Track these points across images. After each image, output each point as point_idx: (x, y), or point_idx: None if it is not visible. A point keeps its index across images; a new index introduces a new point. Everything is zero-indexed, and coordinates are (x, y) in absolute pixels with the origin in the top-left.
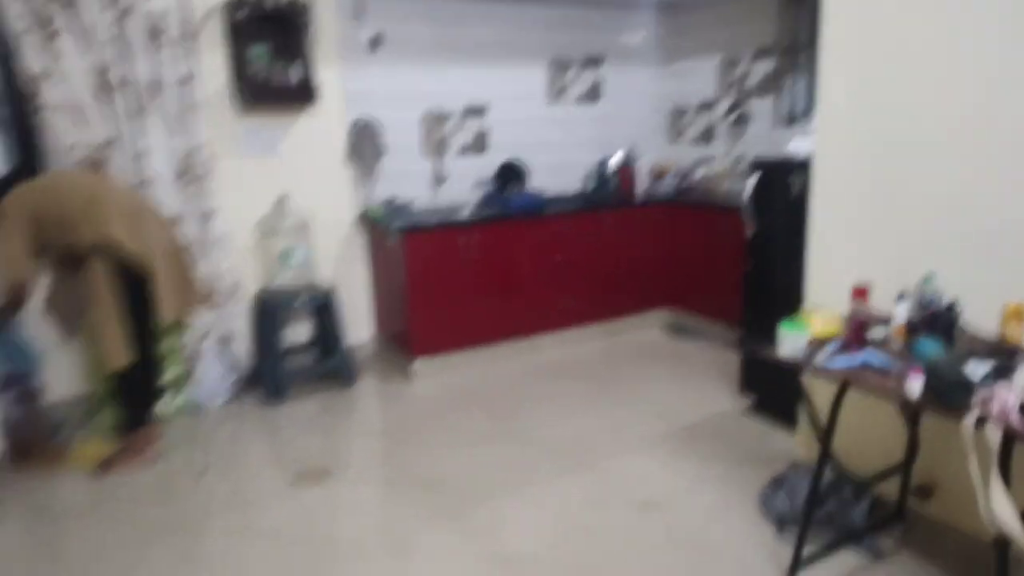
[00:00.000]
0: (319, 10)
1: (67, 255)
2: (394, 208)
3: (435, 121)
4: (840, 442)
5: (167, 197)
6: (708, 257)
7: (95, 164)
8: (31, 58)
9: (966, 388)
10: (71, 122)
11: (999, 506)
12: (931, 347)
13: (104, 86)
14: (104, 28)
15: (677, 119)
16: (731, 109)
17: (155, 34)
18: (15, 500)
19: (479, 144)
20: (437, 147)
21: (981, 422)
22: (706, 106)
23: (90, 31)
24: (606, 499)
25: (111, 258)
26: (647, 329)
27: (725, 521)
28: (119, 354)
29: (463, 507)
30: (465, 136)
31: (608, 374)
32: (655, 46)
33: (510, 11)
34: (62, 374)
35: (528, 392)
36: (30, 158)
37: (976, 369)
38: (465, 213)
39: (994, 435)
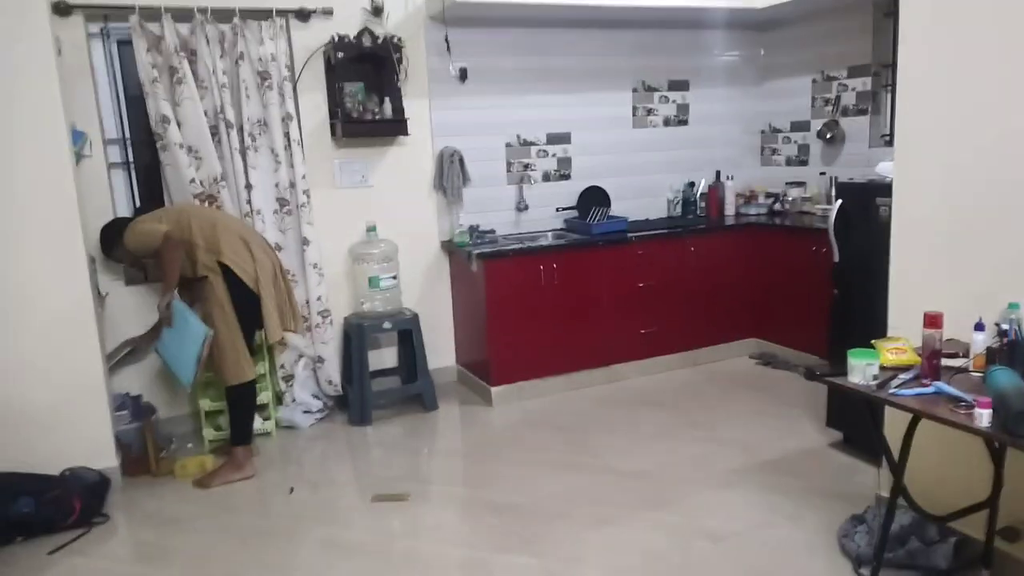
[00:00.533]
0: (410, 46)
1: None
2: (477, 235)
3: (519, 149)
4: (925, 479)
5: (268, 227)
6: (798, 284)
7: (210, 198)
8: (159, 103)
9: None
10: (190, 160)
11: None
12: (1003, 377)
13: (218, 126)
14: (220, 74)
15: (769, 140)
16: (825, 129)
17: (263, 77)
18: (129, 508)
19: (563, 170)
20: (521, 174)
21: None
22: (800, 126)
23: (208, 77)
24: (681, 529)
25: (225, 281)
26: (733, 358)
27: (802, 557)
28: (243, 370)
29: (538, 533)
30: (549, 163)
31: (691, 404)
32: (745, 65)
33: (595, 38)
34: (170, 393)
35: (607, 421)
36: (155, 195)
37: None
38: (547, 240)
39: None
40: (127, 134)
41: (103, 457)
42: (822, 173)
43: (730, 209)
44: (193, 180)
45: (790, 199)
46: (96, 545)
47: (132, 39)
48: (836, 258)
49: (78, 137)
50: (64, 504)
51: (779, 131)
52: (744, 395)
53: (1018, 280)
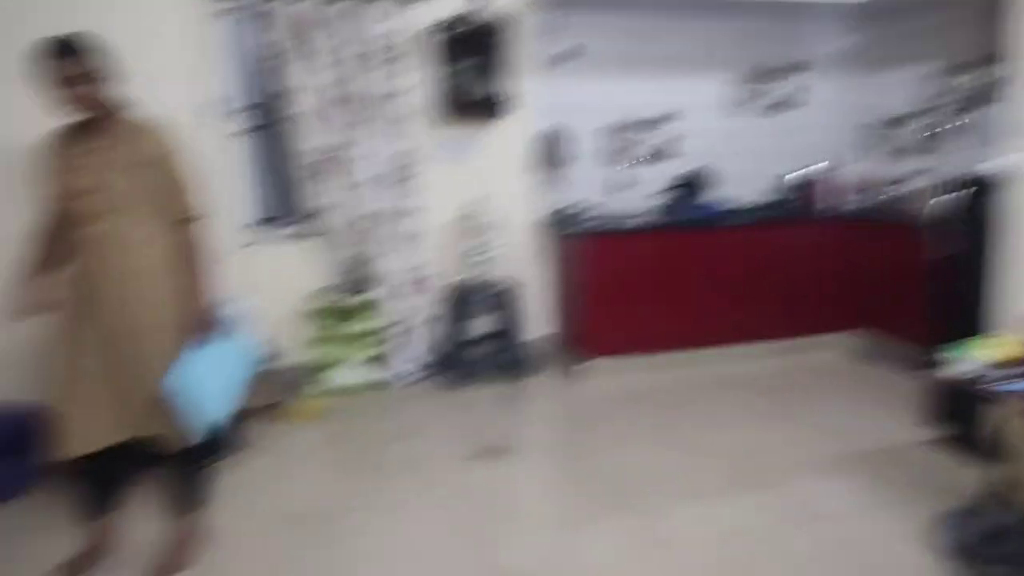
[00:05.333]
0: (520, 26)
1: None
2: (577, 212)
3: (622, 130)
4: None
5: (378, 196)
6: (903, 278)
7: (325, 167)
8: (282, 76)
9: None
10: (311, 129)
11: None
12: None
13: (338, 98)
14: (341, 49)
15: (874, 131)
16: (934, 123)
17: (383, 52)
18: (253, 441)
19: (665, 153)
20: (622, 155)
21: None
22: (907, 118)
23: (335, 50)
24: (771, 509)
25: None
26: (829, 349)
27: (894, 546)
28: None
29: (628, 500)
30: (651, 145)
31: (784, 391)
32: (854, 55)
33: (703, 23)
34: (290, 346)
35: (701, 401)
36: (277, 161)
37: None
38: (645, 220)
39: None
40: (255, 102)
41: None
42: (931, 167)
43: (835, 199)
44: (311, 149)
45: (897, 191)
46: (227, 472)
47: (265, 13)
48: (942, 252)
49: (212, 106)
50: None
51: (885, 123)
52: (841, 386)
53: None
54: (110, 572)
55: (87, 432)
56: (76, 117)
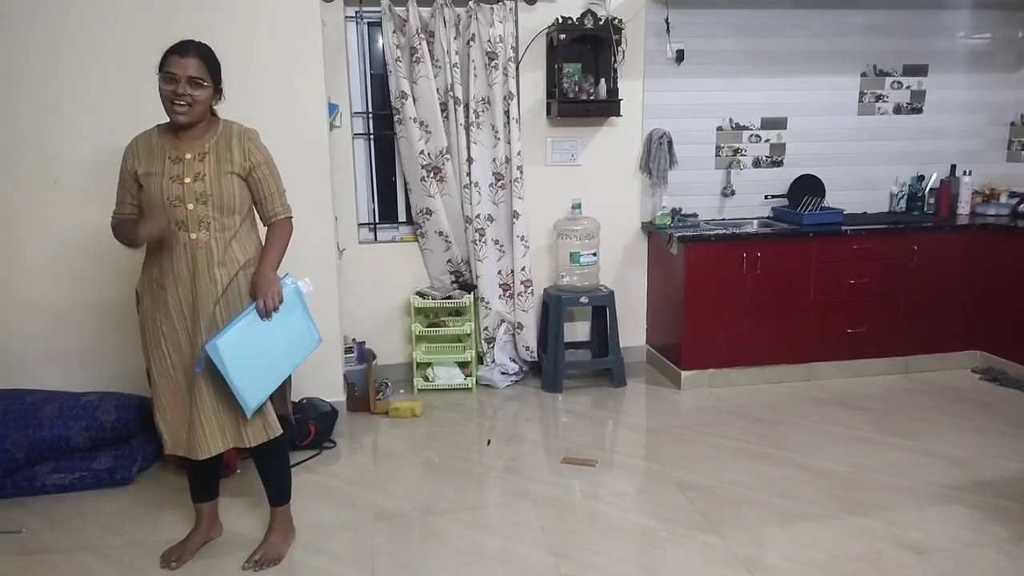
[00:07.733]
0: (630, 28)
1: None
2: (679, 218)
3: (731, 133)
4: None
5: (484, 199)
6: None
7: (435, 170)
8: (399, 80)
9: None
10: (420, 134)
11: None
12: None
13: (447, 103)
14: (453, 54)
15: (1021, 133)
16: None
17: (490, 57)
18: (351, 438)
19: (776, 156)
20: (730, 159)
21: None
22: None
23: (443, 57)
24: (876, 535)
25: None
26: (952, 370)
27: None
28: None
29: (722, 516)
30: (761, 148)
31: (897, 412)
32: (998, 49)
33: (823, 18)
34: (390, 344)
35: (802, 418)
36: (389, 165)
37: None
38: (752, 227)
39: None
40: (370, 108)
41: (334, 392)
42: None
43: (964, 208)
44: (422, 152)
45: None
46: (325, 465)
47: (381, 21)
48: None
49: (332, 109)
50: (302, 426)
51: None
52: (961, 409)
53: None
54: (212, 559)
55: (188, 442)
56: (174, 122)
